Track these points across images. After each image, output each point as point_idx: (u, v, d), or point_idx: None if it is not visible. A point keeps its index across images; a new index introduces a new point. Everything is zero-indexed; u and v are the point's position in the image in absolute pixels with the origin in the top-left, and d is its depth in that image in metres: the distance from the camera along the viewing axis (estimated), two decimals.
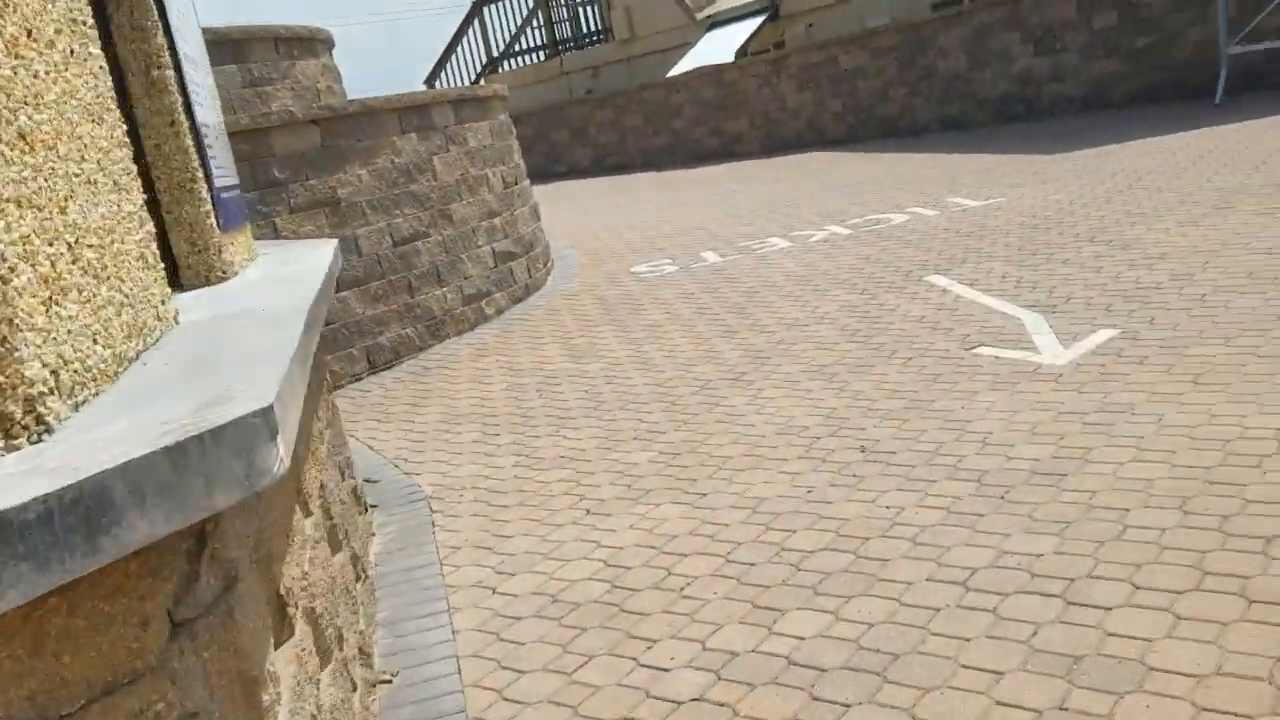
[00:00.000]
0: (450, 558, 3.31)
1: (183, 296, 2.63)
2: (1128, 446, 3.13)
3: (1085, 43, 12.04)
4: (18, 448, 1.30)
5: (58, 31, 1.80)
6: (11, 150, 1.44)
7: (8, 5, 1.56)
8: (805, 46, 15.37)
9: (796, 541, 2.94)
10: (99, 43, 2.09)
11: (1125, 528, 2.66)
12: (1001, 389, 3.86)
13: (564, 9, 21.47)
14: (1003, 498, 2.96)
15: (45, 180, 1.53)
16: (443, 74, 23.10)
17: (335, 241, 3.72)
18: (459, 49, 22.67)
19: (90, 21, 2.06)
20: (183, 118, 2.83)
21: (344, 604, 2.40)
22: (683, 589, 2.78)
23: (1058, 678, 2.11)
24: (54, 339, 1.42)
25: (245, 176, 5.49)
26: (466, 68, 22.71)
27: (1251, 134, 8.25)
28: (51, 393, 1.37)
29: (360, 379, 5.99)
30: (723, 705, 2.24)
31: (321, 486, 2.64)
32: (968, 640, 2.30)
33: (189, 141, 2.84)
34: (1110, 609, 2.31)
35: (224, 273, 2.87)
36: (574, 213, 12.33)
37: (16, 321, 1.31)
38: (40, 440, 1.33)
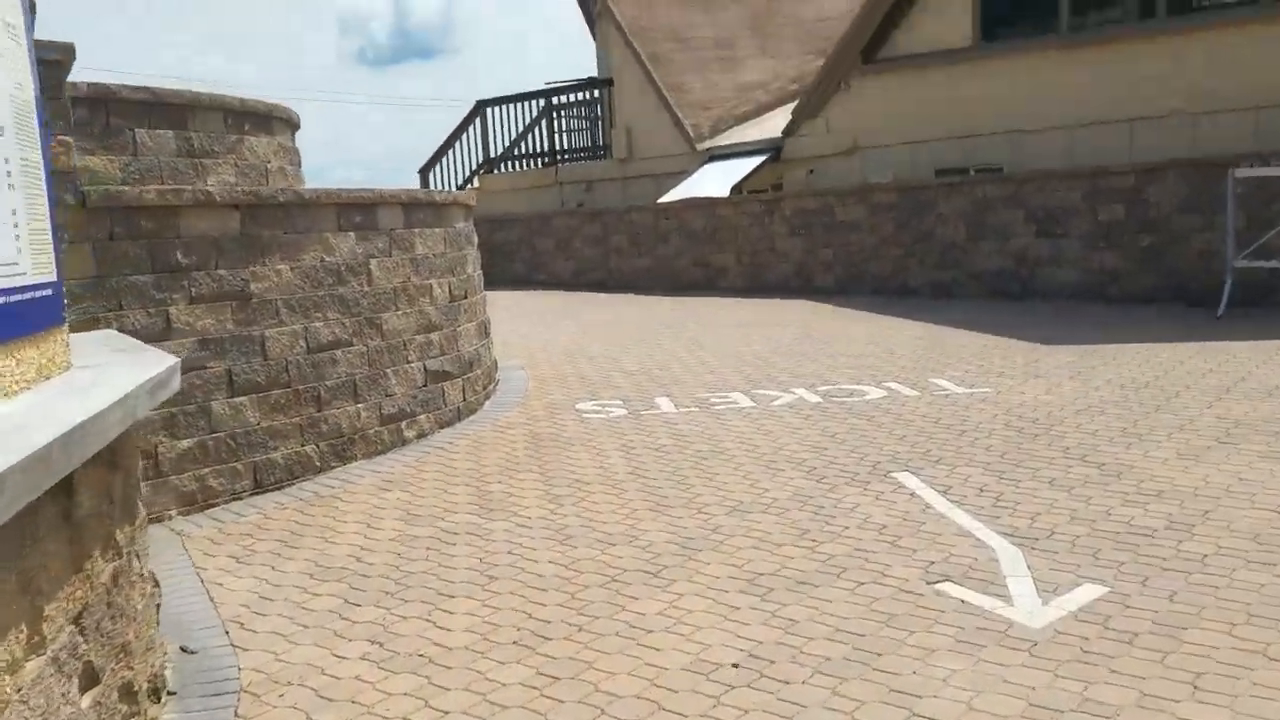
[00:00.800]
0: None
1: None
2: None
3: (1088, 231, 11.82)
4: None
5: None
6: None
7: None
8: (803, 192, 15.20)
9: None
10: None
11: None
12: (964, 652, 3.21)
13: (567, 120, 21.47)
14: None
15: None
16: (438, 167, 22.94)
17: (174, 361, 3.09)
18: (458, 144, 22.56)
19: None
20: None
21: None
22: None
23: None
24: None
25: (143, 257, 4.91)
26: (463, 163, 22.56)
27: (1259, 356, 7.84)
28: None
29: (240, 497, 5.28)
30: None
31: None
32: None
33: None
34: None
35: None
36: (538, 328, 11.80)
37: None
38: None
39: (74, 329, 4.76)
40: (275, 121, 7.54)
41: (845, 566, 4.02)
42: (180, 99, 6.55)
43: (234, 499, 5.26)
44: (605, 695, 3.02)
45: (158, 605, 3.31)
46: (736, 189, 16.54)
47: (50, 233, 2.83)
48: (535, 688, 3.09)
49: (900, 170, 14.91)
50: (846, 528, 4.47)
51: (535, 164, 21.51)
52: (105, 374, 2.80)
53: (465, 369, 7.07)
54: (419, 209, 6.63)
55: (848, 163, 15.89)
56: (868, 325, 11.04)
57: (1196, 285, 10.89)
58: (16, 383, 2.42)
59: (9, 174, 2.50)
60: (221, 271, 5.24)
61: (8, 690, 1.87)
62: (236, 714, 3.01)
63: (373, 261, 6.16)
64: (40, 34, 3.87)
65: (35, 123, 2.78)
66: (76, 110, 5.97)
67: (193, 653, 3.46)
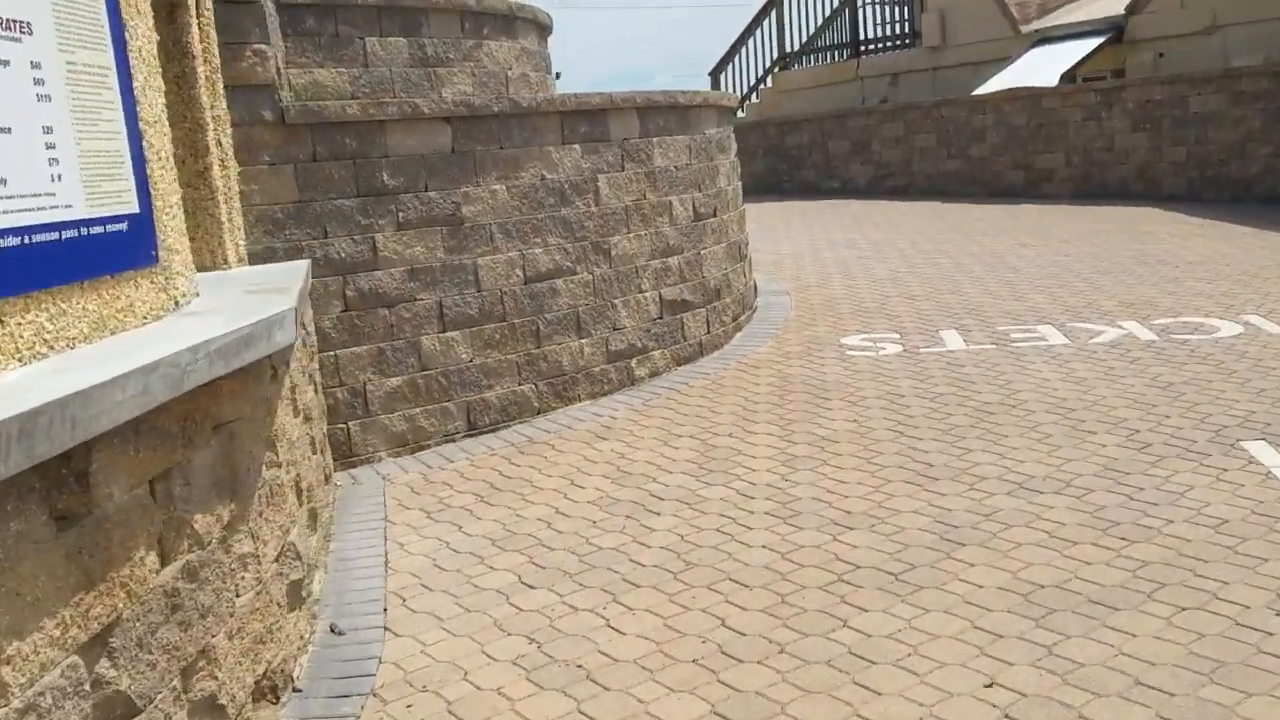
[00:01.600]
0: None
1: None
2: None
3: None
4: None
5: None
6: None
7: None
8: (1149, 79, 13.05)
9: None
10: None
11: None
12: None
13: (872, 7, 19.90)
14: None
15: None
16: (729, 67, 22.19)
17: (280, 310, 2.69)
18: (751, 40, 21.66)
19: None
20: None
21: None
22: None
23: None
24: None
25: (347, 179, 4.66)
26: (758, 61, 21.67)
27: None
28: None
29: (453, 439, 5.02)
30: None
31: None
32: None
33: None
34: None
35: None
36: (820, 243, 10.93)
37: None
38: None
39: (280, 258, 4.66)
40: (519, 23, 7.16)
41: (1162, 581, 3.06)
42: (413, 0, 6.28)
43: (446, 440, 5.01)
44: None
45: (297, 583, 3.01)
46: (1067, 77, 14.56)
47: (130, 156, 2.49)
48: None
49: (1273, 51, 12.40)
50: (1170, 521, 3.46)
51: (835, 57, 20.21)
52: (181, 325, 2.44)
53: (710, 298, 6.44)
54: (658, 114, 6.01)
55: (1206, 43, 13.48)
56: (1225, 240, 9.23)
57: None
58: (46, 342, 2.08)
59: (42, 81, 2.14)
60: (431, 194, 4.91)
61: None
62: None
63: (601, 178, 5.63)
64: None
65: (103, 16, 2.41)
66: (303, 18, 5.84)
67: (341, 634, 3.15)
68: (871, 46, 19.48)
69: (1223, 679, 2.54)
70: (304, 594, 3.12)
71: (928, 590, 3.14)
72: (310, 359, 4.10)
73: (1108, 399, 4.85)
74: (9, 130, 2.00)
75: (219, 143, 3.95)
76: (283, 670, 2.78)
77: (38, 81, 2.11)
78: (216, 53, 4.02)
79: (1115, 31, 14.71)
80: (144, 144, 2.59)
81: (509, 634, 3.08)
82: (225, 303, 2.91)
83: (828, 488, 4.05)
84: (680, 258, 6.17)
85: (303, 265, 4.16)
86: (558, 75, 32.24)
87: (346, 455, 4.72)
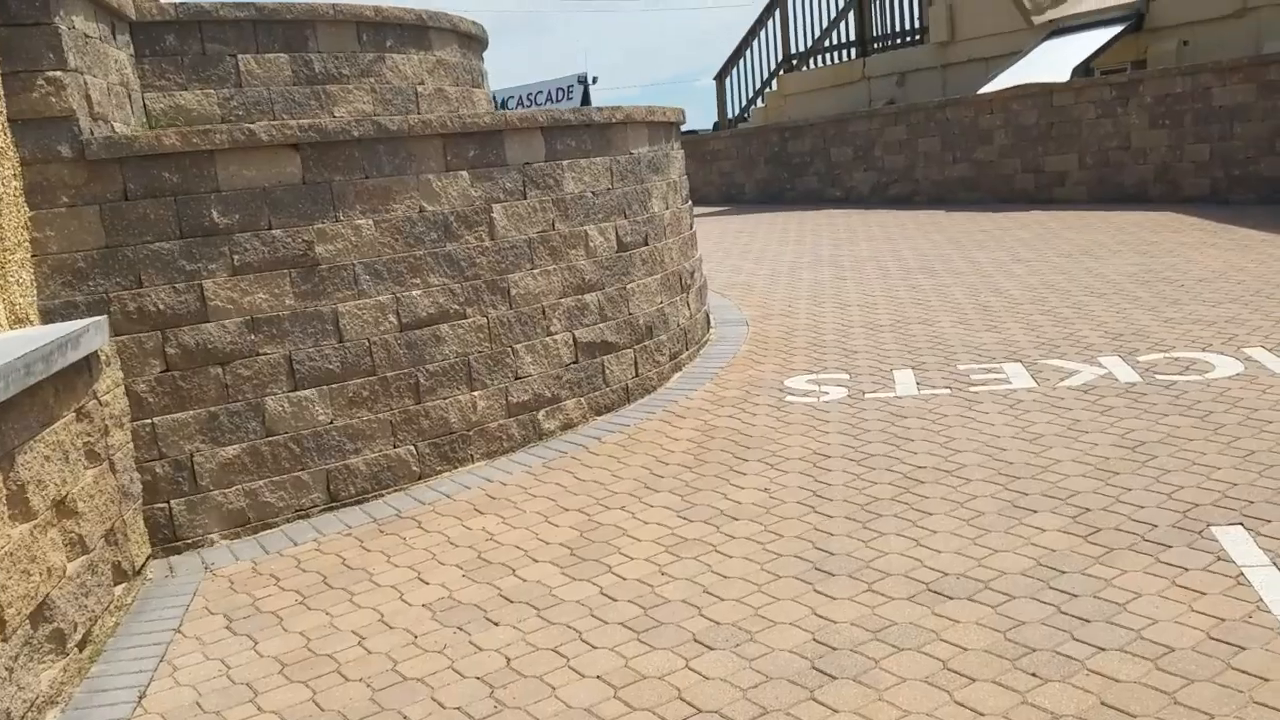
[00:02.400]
0: None
1: None
2: None
3: None
4: None
5: None
6: None
7: None
8: (1169, 70, 12.27)
9: None
10: None
11: None
12: None
13: (880, 2, 19.19)
14: None
15: None
16: (734, 71, 21.58)
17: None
18: (755, 42, 21.03)
19: None
20: None
21: None
22: None
23: None
24: None
25: (168, 220, 4.11)
26: (762, 65, 21.04)
27: None
28: None
29: (307, 514, 4.46)
30: None
31: None
32: None
33: None
34: None
35: None
36: (802, 262, 10.28)
37: None
38: None
39: (82, 314, 4.06)
40: (434, 34, 6.60)
41: None
42: (294, 12, 5.73)
43: (299, 516, 4.44)
44: None
45: None
46: (1082, 70, 13.80)
47: None
48: None
49: None
50: (1099, 650, 2.82)
51: (841, 57, 19.54)
52: None
53: (639, 337, 5.85)
54: (568, 134, 5.42)
55: (1237, 28, 12.69)
56: (1240, 251, 8.49)
57: None
58: None
59: None
60: (276, 232, 4.35)
61: None
62: None
63: (497, 208, 5.06)
64: None
65: None
66: (162, 36, 5.32)
67: None
68: (878, 45, 18.78)
69: None
70: None
71: None
72: (88, 435, 3.55)
73: (1062, 464, 4.20)
74: None
75: None
76: None
77: None
78: None
79: (1136, 19, 13.92)
80: None
81: None
82: None
83: (705, 585, 3.44)
84: (600, 294, 5.58)
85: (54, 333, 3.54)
86: (594, 80, 30.83)
87: (169, 540, 4.17)
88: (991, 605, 3.12)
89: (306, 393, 4.45)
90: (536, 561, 3.80)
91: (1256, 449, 4.16)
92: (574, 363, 5.43)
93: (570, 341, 5.41)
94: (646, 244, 6.02)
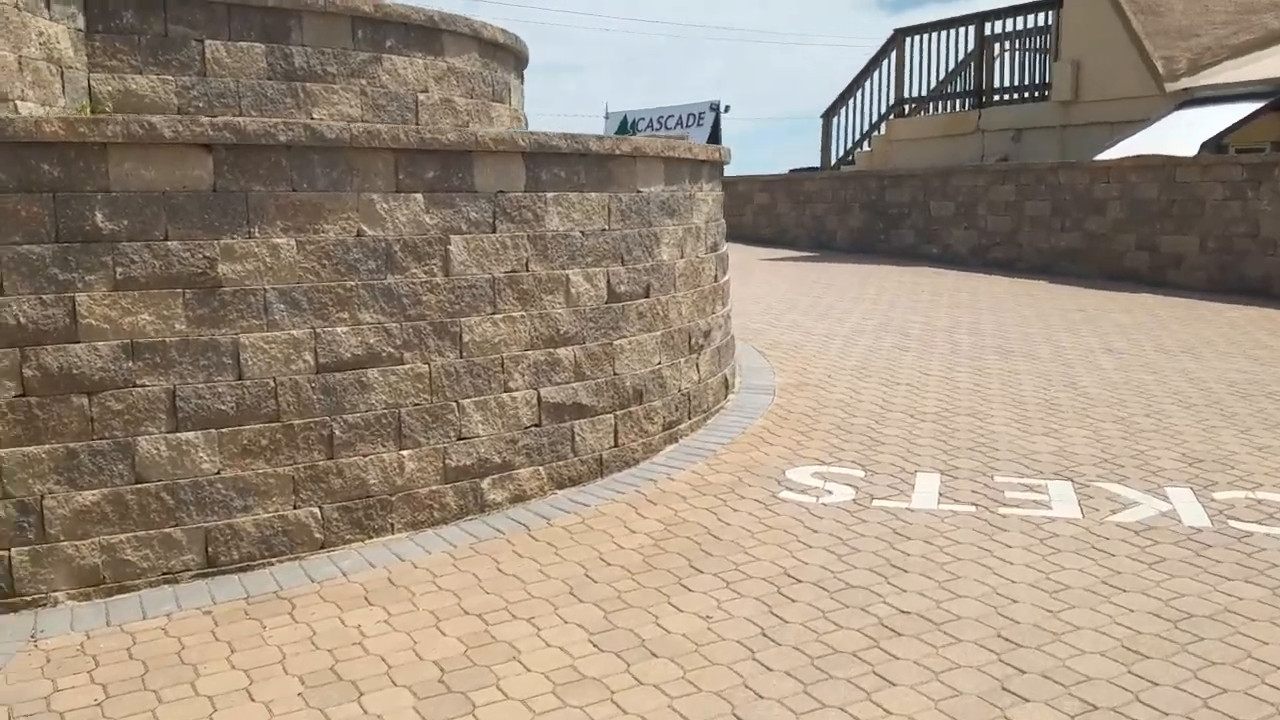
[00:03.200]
0: None
1: None
2: None
3: None
4: None
5: None
6: None
7: None
8: None
9: None
10: None
11: None
12: None
13: (1008, 55, 18.19)
14: None
15: None
16: (843, 110, 20.79)
17: None
18: (868, 83, 20.22)
19: None
20: None
21: None
22: None
23: None
24: None
25: (42, 219, 3.60)
26: (872, 107, 20.20)
27: None
28: None
29: (176, 579, 3.88)
30: None
31: None
32: None
33: None
34: None
35: None
36: (868, 324, 9.44)
37: None
38: None
39: None
40: (447, 37, 6.07)
41: None
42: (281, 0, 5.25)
43: (166, 580, 3.86)
44: None
45: None
46: (1212, 145, 12.67)
47: None
48: None
49: None
50: None
51: (955, 106, 18.59)
52: None
53: (625, 401, 5.16)
54: (556, 162, 4.79)
55: None
56: None
57: None
58: None
59: None
60: (172, 244, 3.81)
61: None
62: None
63: (456, 239, 4.44)
64: None
65: None
66: (119, 12, 4.88)
67: None
68: (996, 97, 17.79)
69: None
70: None
71: None
72: None
73: (1080, 633, 3.36)
74: None
75: None
76: None
77: None
78: None
79: (1279, 95, 12.76)
80: None
81: None
82: None
83: None
84: (578, 349, 4.92)
85: None
86: (726, 108, 30.57)
87: (6, 594, 3.62)
88: None
89: (190, 435, 3.87)
90: (395, 685, 3.13)
91: None
92: (535, 425, 4.76)
93: (533, 401, 4.75)
94: (648, 295, 5.34)
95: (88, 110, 4.71)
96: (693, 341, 5.80)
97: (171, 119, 3.78)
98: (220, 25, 5.11)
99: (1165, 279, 12.36)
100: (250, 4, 5.16)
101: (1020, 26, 17.61)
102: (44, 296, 3.63)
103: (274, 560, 4.03)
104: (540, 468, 4.78)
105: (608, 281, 5.08)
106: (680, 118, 28.44)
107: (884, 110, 19.82)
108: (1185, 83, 14.21)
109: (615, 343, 5.12)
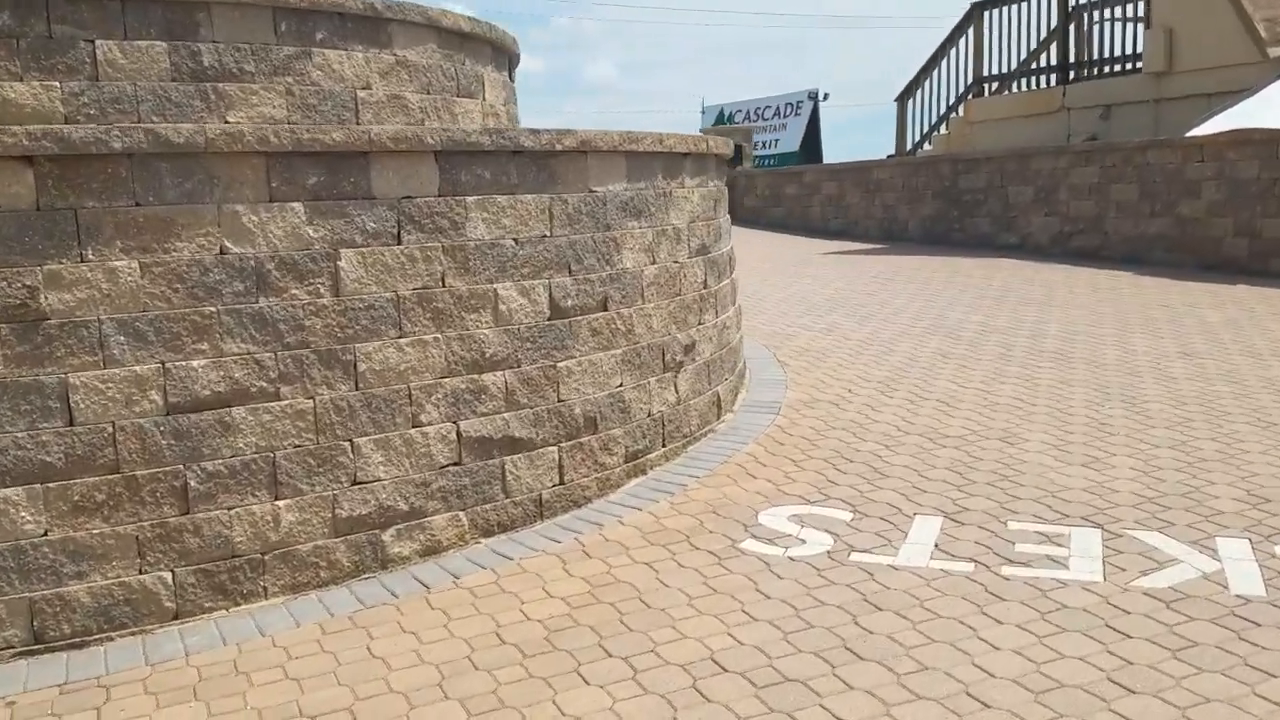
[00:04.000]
0: None
1: None
2: None
3: None
4: None
5: None
6: None
7: None
8: None
9: None
10: None
11: None
12: None
13: (1099, 25, 16.89)
14: None
15: None
16: (919, 92, 19.69)
17: None
18: (944, 63, 19.08)
19: None
20: None
21: None
22: None
23: None
24: None
25: None
26: (949, 87, 19.06)
27: None
28: None
29: None
30: None
31: None
32: None
33: None
34: None
35: None
36: (919, 327, 8.57)
37: None
38: None
39: None
40: (394, 27, 5.46)
41: None
42: None
43: None
44: None
45: None
46: None
47: None
48: None
49: None
50: None
51: (1038, 83, 17.37)
52: None
53: (571, 431, 4.48)
54: (478, 161, 4.13)
55: None
56: None
57: None
58: None
59: None
60: None
61: None
62: None
63: (347, 253, 3.82)
64: None
65: None
66: None
67: None
68: (1083, 72, 16.54)
69: None
70: None
71: None
72: None
73: None
74: None
75: None
76: None
77: None
78: None
79: None
80: None
81: None
82: None
83: None
84: (510, 373, 4.26)
85: None
86: (825, 96, 30.01)
87: None
88: None
89: (9, 491, 3.33)
90: None
91: None
92: (454, 464, 4.12)
93: (451, 435, 4.10)
94: (604, 308, 4.65)
95: None
96: (668, 358, 5.09)
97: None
98: (114, 23, 4.59)
99: (1268, 268, 11.11)
100: None
101: None
102: None
103: (114, 634, 3.47)
104: (460, 513, 4.14)
105: (550, 295, 4.41)
106: (778, 108, 27.56)
107: (961, 91, 18.68)
108: None
109: (560, 364, 4.44)
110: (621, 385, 4.75)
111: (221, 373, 3.60)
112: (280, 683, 3.15)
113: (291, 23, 5.01)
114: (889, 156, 19.58)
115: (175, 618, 3.57)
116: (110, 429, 3.44)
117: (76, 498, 3.41)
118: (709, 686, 3.01)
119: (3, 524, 3.32)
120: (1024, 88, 17.60)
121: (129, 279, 3.45)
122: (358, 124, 5.15)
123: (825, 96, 27.30)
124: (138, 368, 3.47)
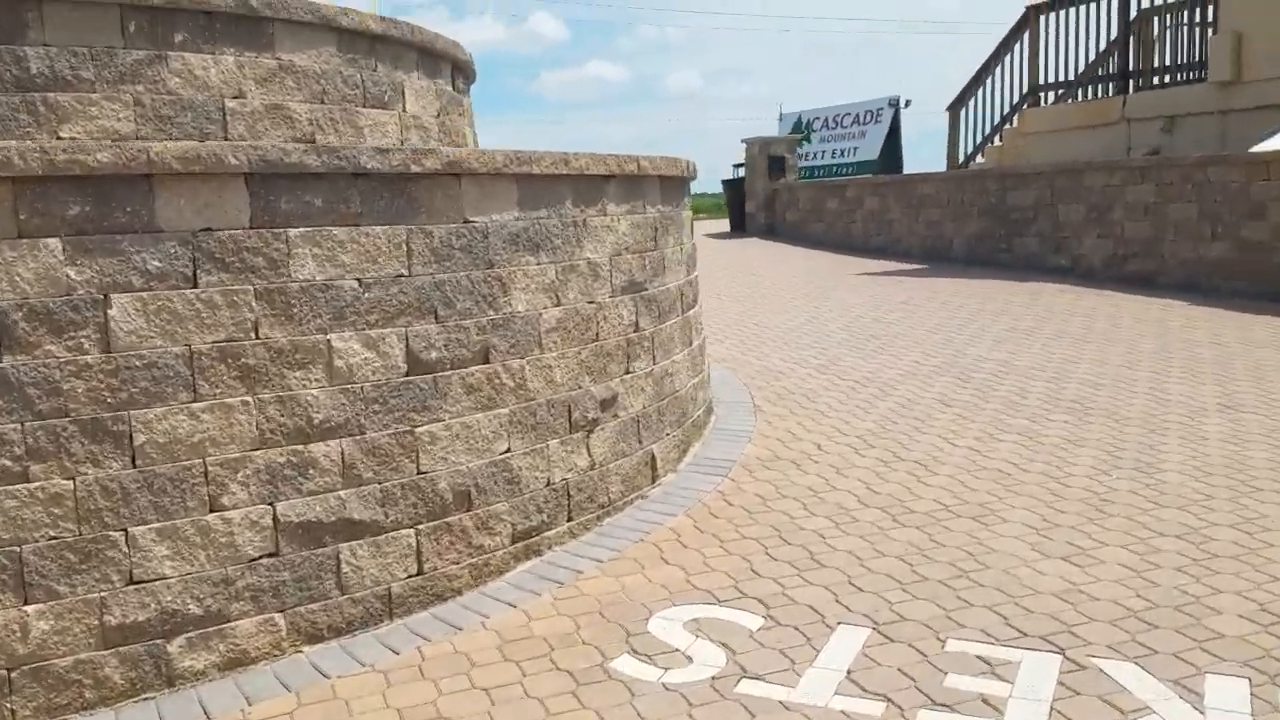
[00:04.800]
0: None
1: None
2: None
3: None
4: None
5: None
6: None
7: None
8: None
9: None
10: None
11: None
12: None
13: (1166, 31, 15.77)
14: None
15: None
16: (972, 101, 18.70)
17: None
18: (999, 69, 18.07)
19: None
20: None
21: None
22: None
23: None
24: None
25: None
26: (1002, 97, 18.04)
27: None
28: None
29: None
30: None
31: None
32: None
33: None
34: None
35: None
36: (928, 366, 7.70)
37: None
38: None
39: None
40: (277, 26, 4.80)
41: None
42: None
43: None
44: None
45: None
46: None
47: None
48: None
49: None
50: None
51: (1096, 92, 16.30)
52: None
53: (435, 510, 3.76)
54: (303, 186, 3.44)
55: None
56: None
57: None
58: None
59: None
60: None
61: None
62: None
63: (121, 300, 3.16)
64: None
65: None
66: None
67: None
68: (1144, 80, 15.44)
69: None
70: None
71: None
72: None
73: None
74: None
75: None
76: None
77: None
78: None
79: None
80: None
81: None
82: None
83: None
84: (348, 442, 3.56)
85: None
86: (906, 103, 28.97)
87: None
88: None
89: None
90: None
91: None
92: (269, 555, 3.42)
93: (264, 520, 3.41)
94: (486, 360, 3.94)
95: None
96: (576, 416, 4.35)
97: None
98: None
99: None
100: None
101: None
102: None
103: None
104: (277, 615, 3.44)
105: (406, 345, 3.71)
106: (857, 115, 26.59)
107: (1016, 100, 17.65)
108: None
109: (421, 429, 3.73)
110: (509, 451, 4.03)
111: None
112: None
113: (143, 22, 4.37)
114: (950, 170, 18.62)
115: None
116: None
117: None
118: None
119: None
120: (1082, 98, 16.53)
121: None
122: (226, 138, 4.51)
123: (908, 104, 26.26)
124: None
